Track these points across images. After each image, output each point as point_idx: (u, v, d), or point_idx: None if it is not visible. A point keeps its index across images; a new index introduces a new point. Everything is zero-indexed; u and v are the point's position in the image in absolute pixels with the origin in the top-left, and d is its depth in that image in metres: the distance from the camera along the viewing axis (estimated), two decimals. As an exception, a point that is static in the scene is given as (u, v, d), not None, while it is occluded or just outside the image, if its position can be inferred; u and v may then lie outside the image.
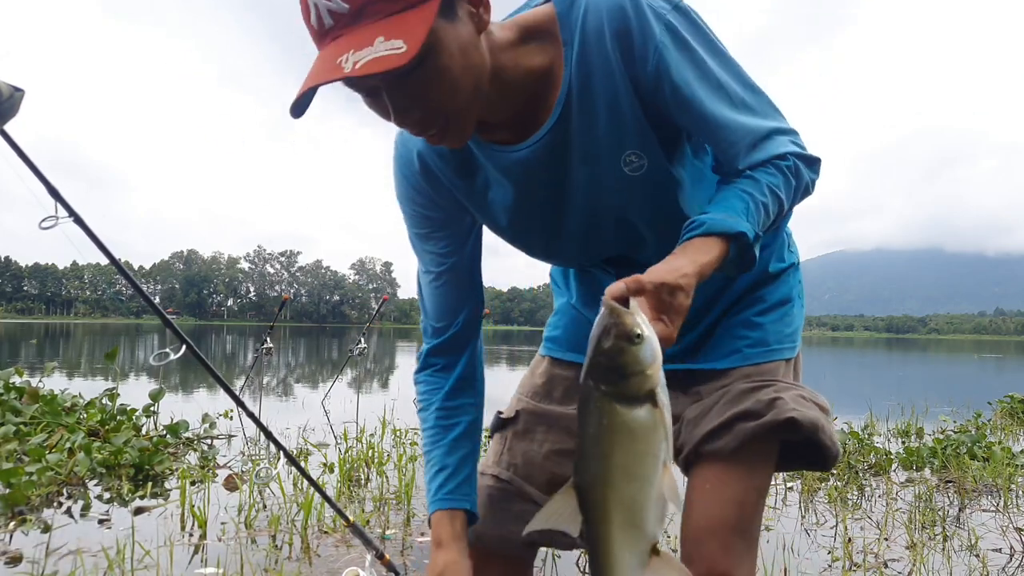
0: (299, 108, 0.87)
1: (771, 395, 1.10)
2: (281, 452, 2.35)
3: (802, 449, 1.13)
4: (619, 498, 0.74)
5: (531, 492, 1.30)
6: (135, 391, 7.17)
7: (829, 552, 2.87)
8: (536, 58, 1.00)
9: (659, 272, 0.83)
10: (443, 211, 1.19)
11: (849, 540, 2.97)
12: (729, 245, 0.91)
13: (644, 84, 0.99)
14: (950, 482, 4.18)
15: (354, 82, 0.89)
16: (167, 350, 2.25)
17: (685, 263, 0.86)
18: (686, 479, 1.17)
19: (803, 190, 1.04)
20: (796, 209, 1.13)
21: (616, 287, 0.79)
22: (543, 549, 1.82)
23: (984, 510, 3.60)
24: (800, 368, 1.27)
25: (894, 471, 4.53)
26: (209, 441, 5.14)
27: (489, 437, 1.43)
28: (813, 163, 1.04)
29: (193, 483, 3.66)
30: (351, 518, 2.24)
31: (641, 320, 0.74)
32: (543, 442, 1.33)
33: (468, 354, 1.28)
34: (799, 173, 1.01)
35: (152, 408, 5.32)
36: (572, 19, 0.99)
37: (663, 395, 0.73)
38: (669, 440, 0.74)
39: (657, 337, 0.75)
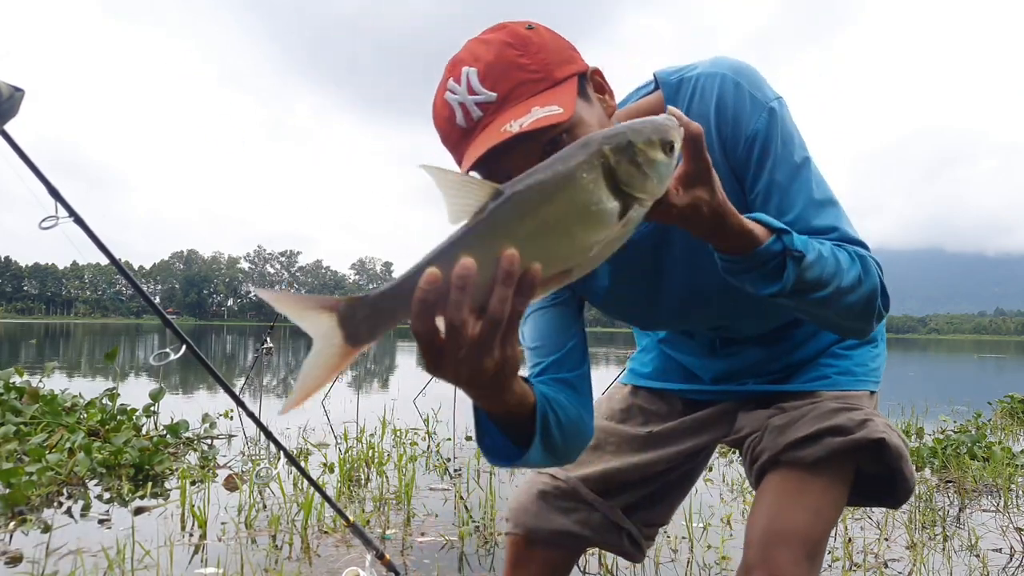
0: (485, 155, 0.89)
1: (863, 416, 1.12)
2: (281, 452, 2.35)
3: (876, 482, 1.15)
4: (525, 247, 0.65)
5: (585, 493, 1.32)
6: (135, 391, 7.17)
7: (829, 552, 2.86)
8: None
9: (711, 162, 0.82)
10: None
11: (849, 540, 2.97)
12: (770, 237, 0.88)
13: (735, 167, 1.03)
14: (950, 482, 4.18)
15: (496, 169, 0.87)
16: (167, 350, 2.25)
17: (724, 197, 0.84)
18: (755, 490, 1.18)
19: (865, 294, 0.98)
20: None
21: (679, 112, 0.77)
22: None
23: (984, 510, 3.60)
24: (877, 406, 1.29)
25: (894, 471, 4.53)
26: (209, 441, 5.14)
27: None
28: (885, 291, 1.01)
29: (193, 483, 3.65)
30: (351, 518, 2.24)
31: (680, 149, 0.73)
32: (611, 458, 1.35)
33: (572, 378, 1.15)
34: (867, 267, 0.98)
35: (152, 408, 5.32)
36: (677, 102, 1.03)
37: (636, 223, 0.71)
38: (603, 251, 0.70)
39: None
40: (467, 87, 0.87)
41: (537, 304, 1.21)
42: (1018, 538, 3.06)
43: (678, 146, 0.73)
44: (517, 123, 0.84)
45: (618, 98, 1.13)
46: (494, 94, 0.86)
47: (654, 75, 1.09)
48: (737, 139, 1.01)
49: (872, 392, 1.24)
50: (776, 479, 1.13)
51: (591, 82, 0.95)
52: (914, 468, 1.15)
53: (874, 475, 1.14)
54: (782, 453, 1.13)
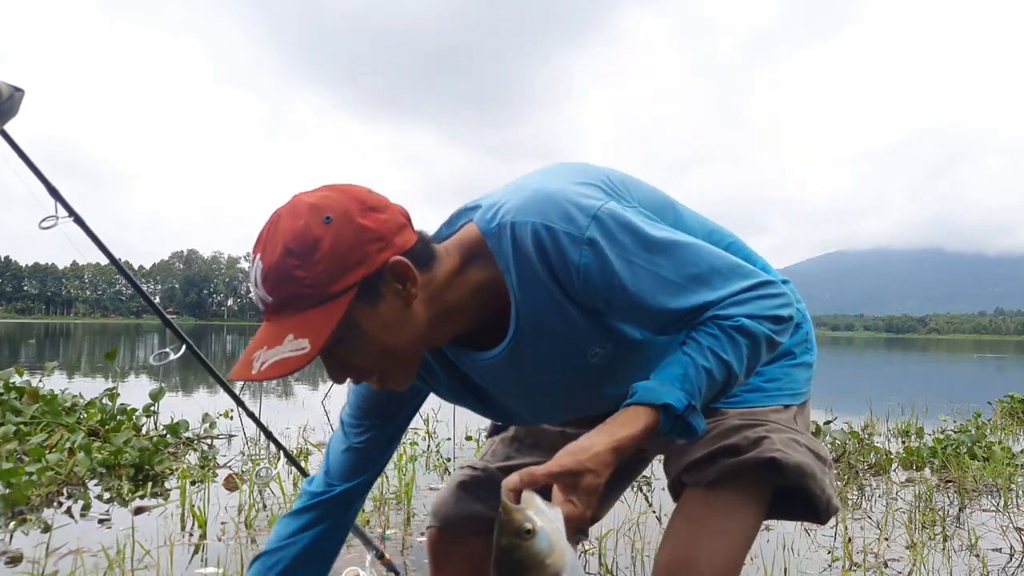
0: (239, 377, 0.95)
1: (760, 434, 1.09)
2: (281, 452, 2.35)
3: (795, 498, 1.12)
4: None
5: (500, 478, 1.32)
6: (135, 391, 7.17)
7: (829, 552, 2.86)
8: (480, 274, 1.04)
9: (559, 460, 0.89)
10: (386, 404, 1.22)
11: (849, 540, 2.97)
12: (659, 414, 0.94)
13: (581, 300, 1.01)
14: (950, 482, 4.18)
15: None
16: (167, 350, 2.25)
17: (599, 441, 0.91)
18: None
19: (764, 346, 1.01)
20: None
21: (511, 480, 0.84)
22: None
23: (984, 510, 3.60)
24: (806, 418, 1.25)
25: (894, 471, 4.53)
26: (209, 441, 5.14)
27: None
28: (778, 320, 1.01)
29: (193, 483, 3.65)
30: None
31: (534, 512, 0.76)
32: (528, 453, 1.36)
33: (329, 525, 1.25)
34: (748, 332, 0.98)
35: (152, 408, 5.32)
36: (503, 250, 1.01)
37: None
38: None
39: (565, 518, 0.80)
40: (255, 276, 0.93)
41: (345, 443, 1.24)
42: (1018, 538, 3.06)
43: (535, 518, 0.76)
44: (263, 358, 0.90)
45: (439, 223, 1.12)
46: (270, 298, 0.92)
47: (474, 221, 1.05)
48: (572, 280, 0.99)
49: (787, 405, 1.19)
50: (682, 502, 1.12)
51: (391, 273, 0.94)
52: (827, 484, 1.10)
53: (793, 491, 1.11)
54: (683, 474, 1.12)
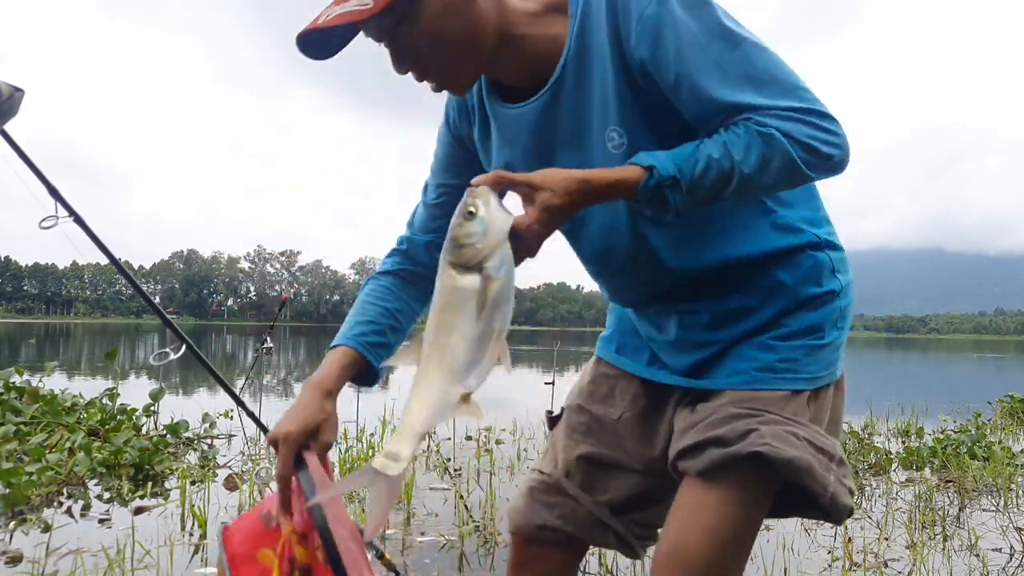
0: (306, 44, 1.00)
1: (750, 425, 1.04)
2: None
3: (801, 495, 1.06)
4: (440, 344, 0.87)
5: (567, 486, 1.30)
6: (135, 391, 7.17)
7: (829, 552, 2.87)
8: (553, 26, 1.07)
9: (530, 174, 0.93)
10: (457, 164, 1.29)
11: (849, 540, 2.97)
12: (643, 175, 0.95)
13: (630, 60, 1.02)
14: (950, 482, 4.18)
15: (354, 32, 1.02)
16: (167, 350, 2.25)
17: (575, 171, 0.94)
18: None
19: (784, 166, 0.95)
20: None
21: (480, 177, 0.91)
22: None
23: (984, 510, 3.60)
24: (823, 406, 1.14)
25: (894, 471, 4.53)
26: (209, 441, 5.14)
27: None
28: (814, 152, 0.95)
29: (193, 483, 3.65)
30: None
31: (483, 202, 0.86)
32: (580, 443, 1.33)
33: (419, 269, 1.33)
34: (773, 142, 0.94)
35: (152, 408, 5.32)
36: None
37: (496, 271, 0.85)
38: (495, 308, 0.85)
39: (514, 225, 0.87)
40: None
41: (428, 199, 1.32)
42: (1018, 538, 3.06)
43: (479, 207, 0.86)
44: (328, 12, 0.96)
45: None
46: None
47: None
48: (629, 28, 0.99)
49: (797, 391, 1.09)
50: (679, 492, 1.09)
51: None
52: (831, 481, 1.04)
53: (799, 488, 1.05)
54: (677, 460, 1.09)
